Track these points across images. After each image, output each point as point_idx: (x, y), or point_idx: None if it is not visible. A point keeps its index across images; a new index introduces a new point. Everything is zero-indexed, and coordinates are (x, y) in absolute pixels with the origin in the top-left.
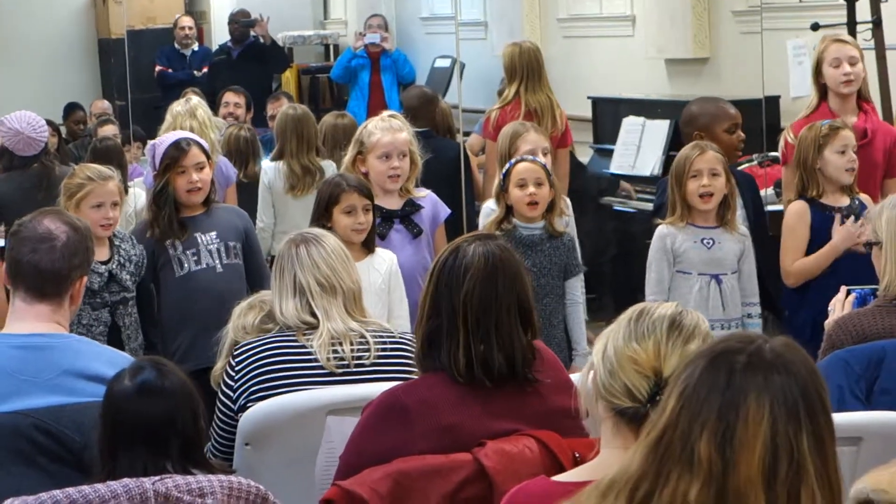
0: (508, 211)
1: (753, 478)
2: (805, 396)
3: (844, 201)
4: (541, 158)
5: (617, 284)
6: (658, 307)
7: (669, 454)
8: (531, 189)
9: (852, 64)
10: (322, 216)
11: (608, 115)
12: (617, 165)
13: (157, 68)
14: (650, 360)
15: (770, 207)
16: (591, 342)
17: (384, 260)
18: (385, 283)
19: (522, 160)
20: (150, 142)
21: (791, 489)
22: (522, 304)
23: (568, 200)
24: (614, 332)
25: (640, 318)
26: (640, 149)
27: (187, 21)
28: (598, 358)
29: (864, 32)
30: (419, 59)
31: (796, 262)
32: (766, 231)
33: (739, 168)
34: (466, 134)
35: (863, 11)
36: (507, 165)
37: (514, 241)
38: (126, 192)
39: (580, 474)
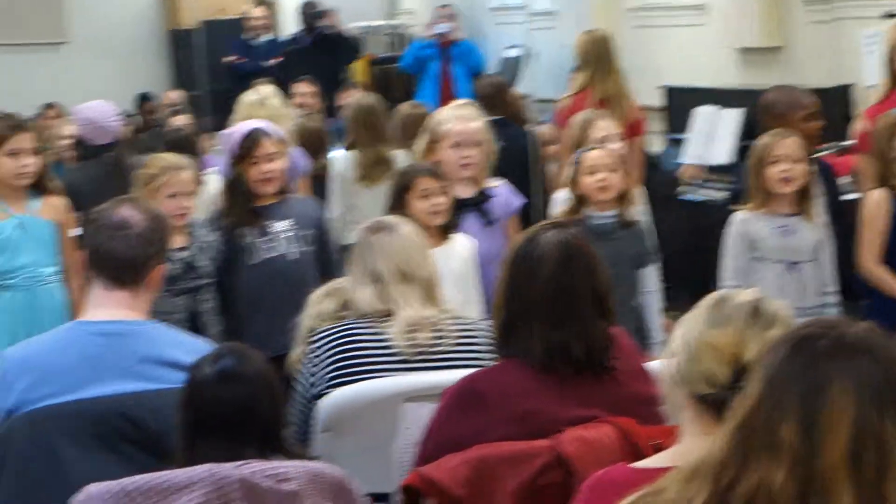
0: (580, 201)
1: (838, 463)
2: (889, 381)
3: None
4: (613, 147)
5: (690, 274)
6: (738, 294)
7: (753, 440)
8: (602, 174)
9: None
10: (398, 204)
11: (681, 104)
12: (690, 155)
13: (230, 59)
14: (730, 347)
15: (846, 196)
16: (667, 330)
17: (464, 246)
18: (463, 269)
19: (594, 148)
20: (224, 131)
21: (877, 475)
22: (598, 290)
23: (640, 190)
24: (694, 319)
25: (720, 305)
26: (713, 138)
27: (258, 12)
28: (678, 344)
29: None
30: (488, 48)
31: (876, 269)
32: (842, 220)
33: (816, 157)
34: (537, 123)
35: None
36: (579, 153)
37: (586, 231)
38: (199, 183)
39: (660, 461)
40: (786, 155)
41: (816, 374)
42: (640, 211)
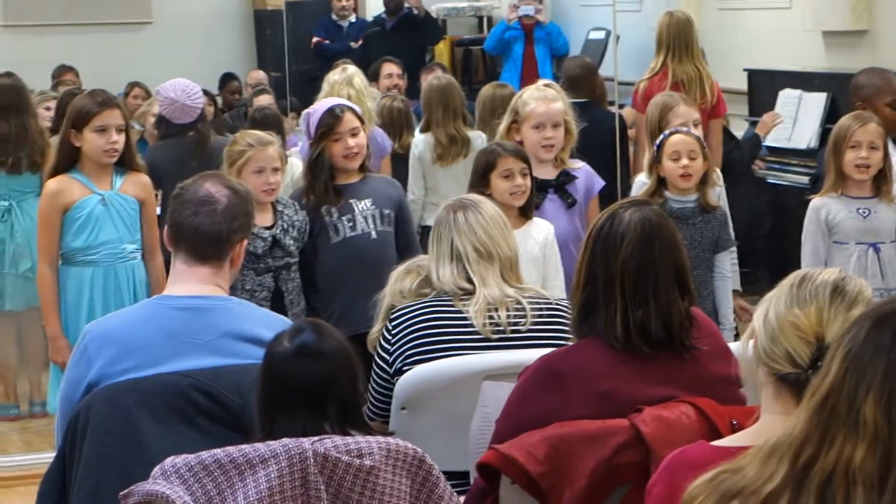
0: (661, 183)
1: None
2: None
3: None
4: (693, 130)
5: (771, 258)
6: (821, 273)
7: (834, 417)
8: (684, 161)
9: None
10: (480, 183)
11: (764, 88)
12: (773, 138)
13: (315, 40)
14: (812, 326)
15: None
16: (746, 311)
17: (541, 229)
18: (541, 252)
19: (676, 132)
20: (305, 111)
21: None
22: (679, 269)
23: (719, 172)
24: (776, 298)
25: (802, 284)
26: (796, 121)
27: None
28: (760, 323)
29: None
30: (573, 31)
31: None
32: None
33: None
34: (621, 106)
35: None
36: (661, 137)
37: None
38: (285, 160)
39: (740, 439)
40: (865, 141)
41: None
42: (718, 193)
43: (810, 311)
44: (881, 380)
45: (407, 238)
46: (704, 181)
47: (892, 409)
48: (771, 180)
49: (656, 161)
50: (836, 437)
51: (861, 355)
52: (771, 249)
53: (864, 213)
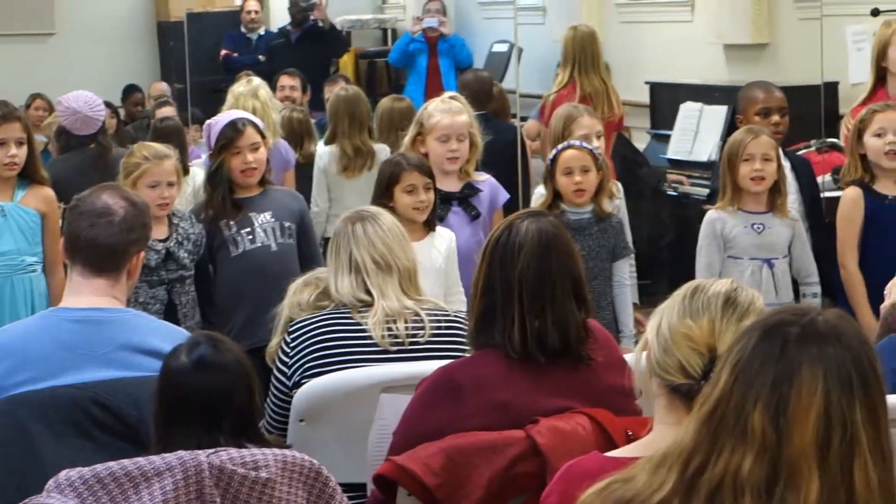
0: (557, 196)
1: (807, 449)
2: (858, 368)
3: None
4: (594, 143)
5: (672, 269)
6: (713, 284)
7: (723, 426)
8: (577, 178)
9: None
10: (383, 195)
11: (666, 101)
12: (674, 151)
13: (223, 52)
14: (705, 337)
15: (827, 194)
16: (641, 324)
17: (444, 239)
18: (444, 263)
19: (569, 146)
20: (207, 122)
21: (844, 461)
22: (576, 280)
23: (619, 184)
24: (669, 309)
25: (694, 295)
26: (697, 134)
27: (253, 5)
28: (653, 335)
29: None
30: (477, 43)
31: (852, 270)
32: (821, 217)
33: (797, 153)
34: (524, 119)
35: None
36: (554, 152)
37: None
38: (186, 172)
39: (633, 450)
40: (758, 154)
41: (786, 361)
42: (617, 205)
43: (702, 322)
44: (769, 390)
45: (309, 251)
46: (600, 190)
47: (780, 418)
48: (672, 192)
49: (551, 175)
50: (724, 447)
51: (749, 365)
52: (672, 261)
53: (758, 228)
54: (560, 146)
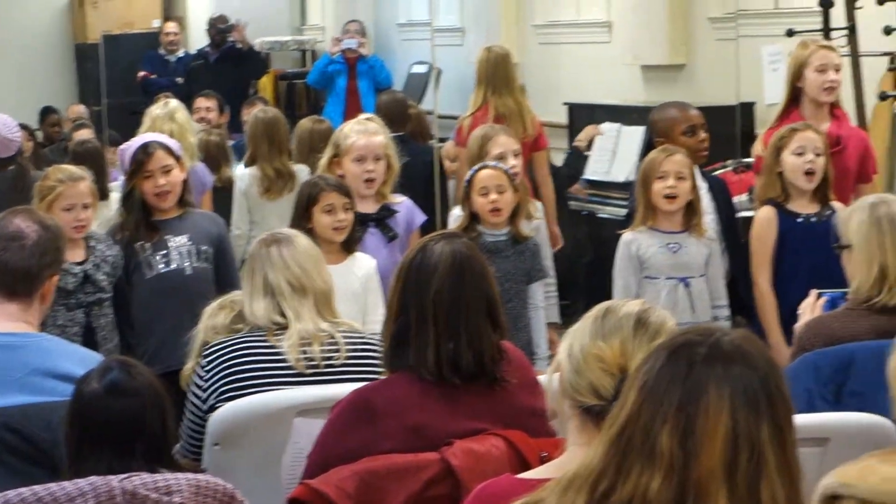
0: (473, 218)
1: (714, 469)
2: (764, 387)
3: (812, 208)
4: (511, 161)
5: (591, 290)
6: (624, 305)
7: (630, 448)
8: (493, 196)
9: (836, 71)
10: (302, 217)
11: (584, 121)
12: (592, 171)
13: (141, 74)
14: (616, 358)
15: (743, 213)
16: (556, 345)
17: (363, 264)
18: (362, 287)
19: (485, 167)
20: (120, 146)
21: (751, 480)
22: (490, 301)
23: (539, 204)
24: (580, 331)
25: (605, 316)
26: (615, 155)
27: (172, 27)
28: (565, 356)
29: (839, 39)
30: (396, 64)
31: (765, 291)
32: (737, 236)
33: (714, 173)
34: (443, 140)
35: (837, 18)
36: (470, 173)
37: (479, 248)
38: (106, 195)
39: (545, 472)
40: (672, 171)
41: (693, 381)
42: (537, 225)
43: (614, 343)
44: (676, 411)
45: (227, 274)
46: (516, 213)
47: (687, 439)
48: (598, 214)
49: (467, 196)
50: (632, 468)
51: (656, 386)
52: (591, 282)
53: (673, 248)
54: (475, 167)
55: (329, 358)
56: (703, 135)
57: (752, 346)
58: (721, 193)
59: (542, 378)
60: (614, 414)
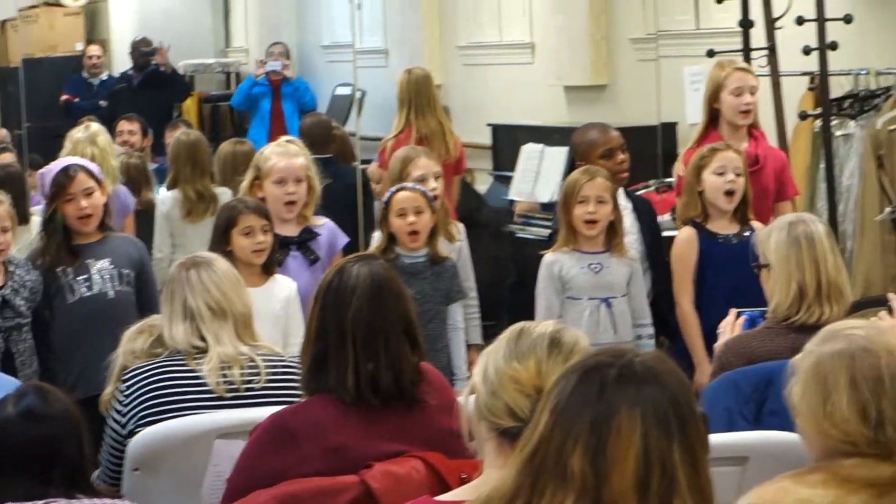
0: (392, 239)
1: (626, 490)
2: (675, 408)
3: (732, 228)
4: (431, 184)
5: (515, 311)
6: (537, 326)
7: (543, 469)
8: (411, 218)
9: (752, 94)
10: (221, 240)
11: (507, 142)
12: (516, 192)
13: (63, 97)
14: (532, 379)
15: (666, 233)
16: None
17: (283, 286)
18: (283, 310)
19: (402, 189)
20: (40, 170)
21: (663, 500)
22: (409, 323)
23: (461, 226)
24: (494, 352)
25: (520, 338)
26: (538, 175)
27: (95, 50)
28: (480, 378)
29: (759, 59)
30: (321, 86)
31: (688, 311)
32: (662, 256)
33: (638, 193)
34: (368, 161)
35: (757, 38)
36: (388, 194)
37: (397, 270)
38: (27, 219)
39: (462, 494)
40: (593, 196)
41: (604, 402)
42: (459, 247)
43: (529, 364)
44: (588, 432)
45: (149, 298)
46: (434, 234)
47: (599, 460)
48: (517, 234)
49: (385, 218)
50: (545, 489)
51: (568, 407)
52: (514, 302)
53: (595, 268)
54: (393, 188)
55: (249, 381)
56: (621, 157)
57: (663, 366)
58: (646, 213)
59: (459, 399)
60: (527, 435)
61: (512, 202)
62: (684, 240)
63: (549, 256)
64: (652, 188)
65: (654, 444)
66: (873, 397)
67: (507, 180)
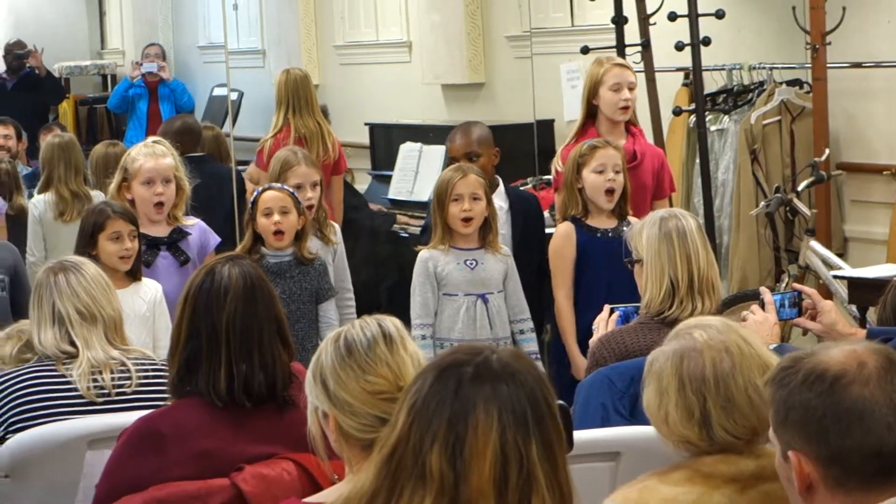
0: (258, 239)
1: (485, 488)
2: (532, 404)
3: (611, 223)
4: (308, 194)
5: (395, 310)
6: (358, 331)
7: (402, 468)
8: (276, 218)
9: (630, 89)
10: (87, 244)
11: (385, 142)
12: (395, 191)
13: None
14: (393, 381)
15: (547, 230)
16: None
17: (149, 288)
18: (150, 312)
19: (270, 188)
20: None
21: (522, 497)
22: (280, 323)
23: (337, 227)
24: (332, 375)
25: (351, 352)
26: (417, 174)
27: None
28: (327, 405)
29: (633, 55)
30: (198, 87)
31: (564, 306)
32: (545, 252)
33: (522, 189)
34: (242, 163)
35: (631, 34)
36: (256, 194)
37: (263, 269)
38: None
39: (329, 495)
40: (467, 193)
41: (461, 401)
42: (335, 250)
43: (381, 370)
44: (445, 430)
45: (23, 303)
46: (302, 235)
47: (457, 458)
48: (398, 233)
49: (252, 217)
50: (404, 489)
51: (426, 406)
52: (395, 301)
53: (471, 264)
54: (260, 188)
55: (120, 386)
56: (483, 160)
57: (520, 364)
58: (532, 209)
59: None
60: (385, 435)
61: (391, 202)
62: (562, 235)
63: (423, 253)
64: (530, 185)
65: (511, 441)
66: (697, 398)
67: (385, 179)
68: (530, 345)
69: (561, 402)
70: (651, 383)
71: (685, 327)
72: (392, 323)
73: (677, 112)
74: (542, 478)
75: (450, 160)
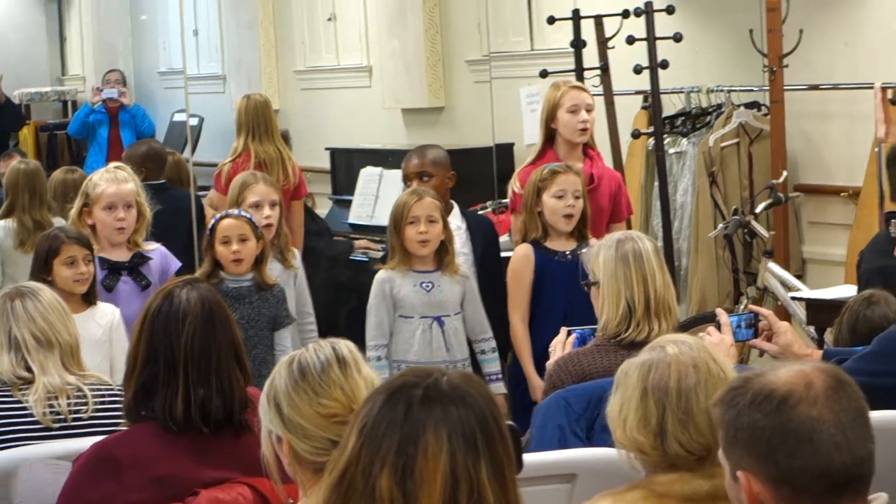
0: (217, 264)
1: None
2: (482, 426)
3: (570, 245)
4: (266, 211)
5: (353, 335)
6: (310, 355)
7: (352, 491)
8: (234, 247)
9: (588, 111)
10: (42, 269)
11: (346, 166)
12: (356, 216)
13: None
14: (345, 405)
15: (505, 254)
16: None
17: (105, 313)
18: (106, 336)
19: (227, 216)
20: None
21: None
22: (238, 347)
23: (297, 252)
24: (289, 399)
25: (304, 375)
26: (378, 198)
27: None
28: (282, 430)
29: (592, 79)
30: (159, 113)
31: (519, 329)
32: (502, 275)
33: (479, 213)
34: (206, 188)
35: (590, 58)
36: (213, 221)
37: (221, 294)
38: None
39: None
40: (423, 216)
41: (411, 423)
42: (296, 274)
43: (334, 393)
44: (395, 453)
45: None
46: (262, 260)
47: (407, 481)
48: (355, 257)
49: (210, 245)
50: None
51: (375, 429)
52: (354, 326)
53: (427, 286)
54: (218, 216)
55: (77, 411)
56: (434, 182)
57: (469, 385)
58: (487, 233)
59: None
60: (335, 458)
61: (352, 226)
62: (521, 256)
63: (381, 274)
64: (489, 209)
65: (461, 463)
66: (658, 407)
67: (346, 204)
68: (492, 365)
69: (510, 423)
70: (618, 389)
71: (661, 341)
72: (346, 346)
73: (636, 135)
74: (492, 500)
75: (403, 179)
